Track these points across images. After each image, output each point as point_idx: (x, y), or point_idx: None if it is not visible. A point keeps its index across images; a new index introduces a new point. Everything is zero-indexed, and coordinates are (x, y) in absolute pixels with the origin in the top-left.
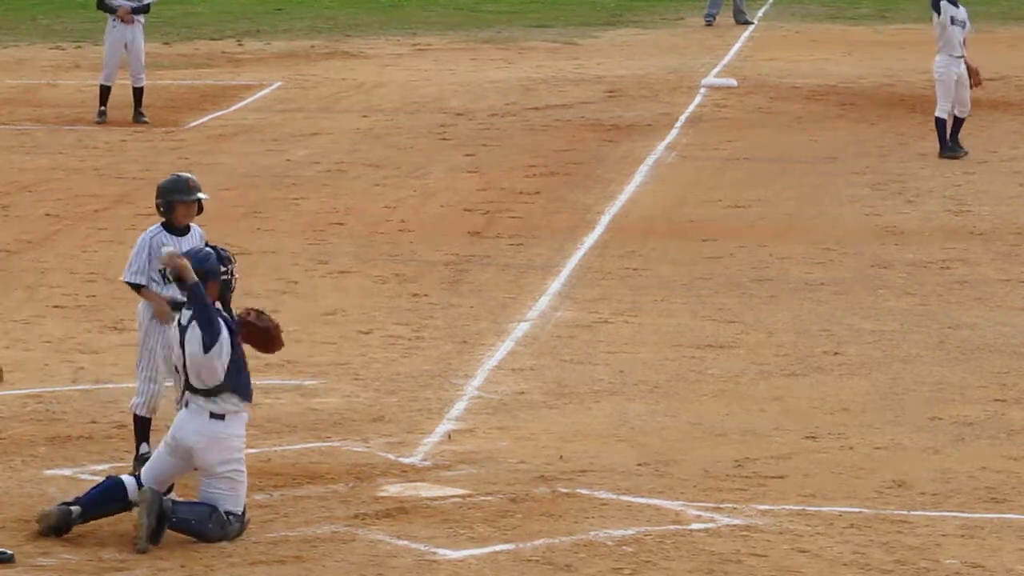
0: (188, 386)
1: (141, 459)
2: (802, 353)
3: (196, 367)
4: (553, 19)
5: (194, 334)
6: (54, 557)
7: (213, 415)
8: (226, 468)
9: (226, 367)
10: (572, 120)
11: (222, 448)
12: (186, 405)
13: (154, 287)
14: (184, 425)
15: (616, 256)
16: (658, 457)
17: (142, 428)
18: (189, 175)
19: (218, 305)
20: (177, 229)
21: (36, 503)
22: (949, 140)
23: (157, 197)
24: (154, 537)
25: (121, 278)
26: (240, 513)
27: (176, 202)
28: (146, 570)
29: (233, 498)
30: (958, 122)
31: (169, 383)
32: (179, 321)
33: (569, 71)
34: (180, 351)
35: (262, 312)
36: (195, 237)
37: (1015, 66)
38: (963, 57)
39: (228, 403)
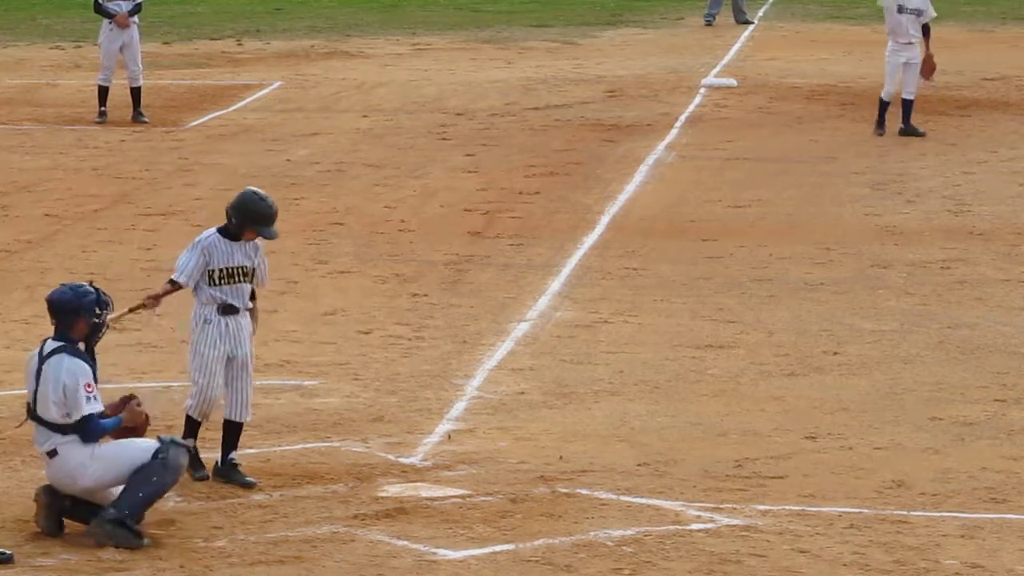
0: (34, 416)
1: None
2: (802, 353)
3: (46, 400)
4: (553, 19)
5: (62, 367)
6: (54, 557)
7: (49, 455)
8: (98, 474)
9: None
10: (572, 120)
11: (80, 468)
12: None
13: (205, 291)
14: (50, 476)
15: (616, 256)
16: (658, 457)
17: (191, 427)
18: (274, 206)
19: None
20: (232, 236)
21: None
22: (903, 122)
23: (239, 214)
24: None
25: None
26: (164, 445)
27: (250, 230)
28: (145, 570)
29: (130, 458)
30: (908, 104)
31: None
32: (40, 351)
33: (569, 71)
34: (34, 382)
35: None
36: (252, 245)
37: (1015, 66)
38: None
39: (64, 439)
